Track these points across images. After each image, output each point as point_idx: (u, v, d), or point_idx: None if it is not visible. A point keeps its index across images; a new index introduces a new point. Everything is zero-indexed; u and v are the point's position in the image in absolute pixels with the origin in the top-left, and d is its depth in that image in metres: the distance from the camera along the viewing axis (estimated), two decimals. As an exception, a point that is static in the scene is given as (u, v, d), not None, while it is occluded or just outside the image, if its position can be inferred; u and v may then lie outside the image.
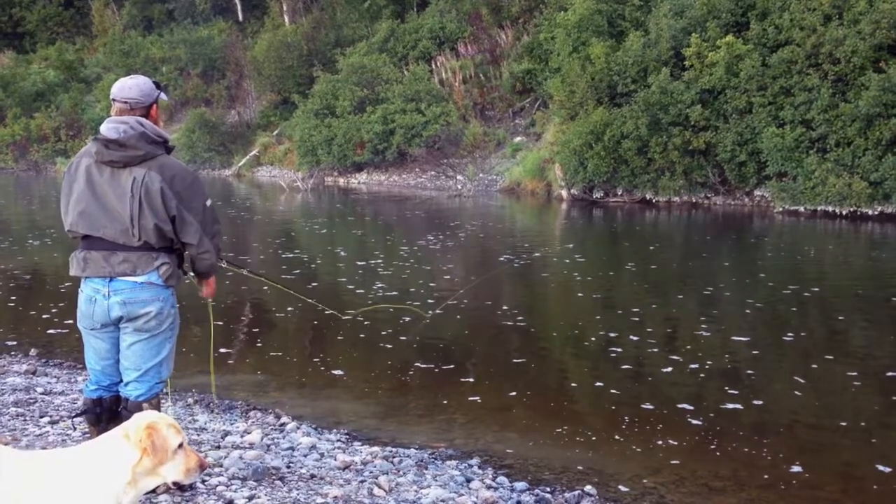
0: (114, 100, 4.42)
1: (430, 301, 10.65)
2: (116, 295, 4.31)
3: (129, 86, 4.42)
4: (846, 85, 19.74)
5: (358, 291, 11.42)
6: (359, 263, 13.74)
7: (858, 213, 19.07)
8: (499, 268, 13.37)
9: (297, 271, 13.03)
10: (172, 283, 4.43)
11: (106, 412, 4.51)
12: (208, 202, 4.47)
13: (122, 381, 4.48)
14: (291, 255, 14.82)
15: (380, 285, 11.74)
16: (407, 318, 9.71)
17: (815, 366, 8.23)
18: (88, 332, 4.46)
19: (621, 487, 5.44)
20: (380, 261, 14.04)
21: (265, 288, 11.10)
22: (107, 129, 4.32)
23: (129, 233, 4.27)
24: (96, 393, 4.51)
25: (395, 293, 11.20)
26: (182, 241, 4.40)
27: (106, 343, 4.44)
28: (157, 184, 4.26)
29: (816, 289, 11.95)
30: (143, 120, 4.36)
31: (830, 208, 19.39)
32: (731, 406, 6.95)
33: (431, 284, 12.05)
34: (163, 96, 4.54)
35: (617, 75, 23.10)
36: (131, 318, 4.35)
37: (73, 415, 5.79)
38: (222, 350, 8.67)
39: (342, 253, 15.44)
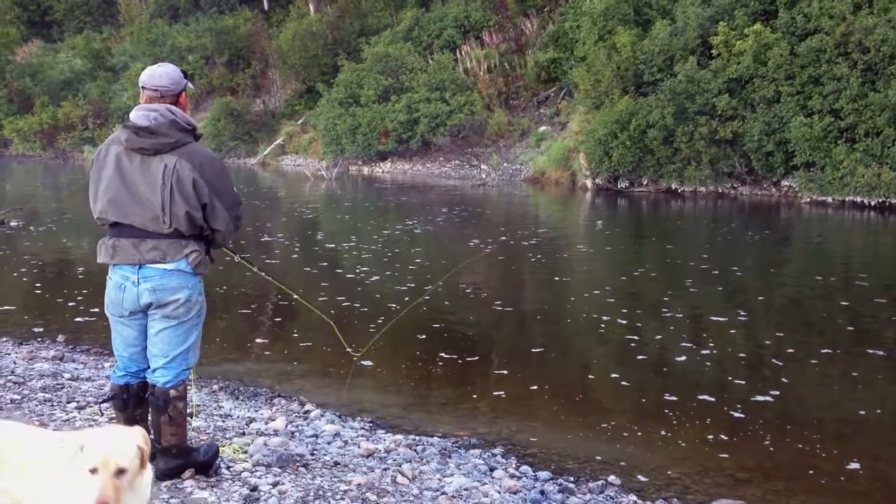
0: (143, 87, 4.43)
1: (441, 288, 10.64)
2: (146, 282, 4.34)
3: (159, 74, 4.43)
4: (875, 74, 19.49)
5: (340, 276, 11.44)
6: (366, 247, 13.76)
7: (887, 203, 18.84)
8: (482, 253, 13.34)
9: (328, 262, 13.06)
10: (201, 271, 4.46)
11: (133, 398, 4.54)
12: (234, 188, 4.52)
13: (149, 367, 4.52)
14: (321, 245, 14.87)
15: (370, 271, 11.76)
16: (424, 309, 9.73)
17: (842, 357, 8.15)
18: (116, 319, 4.48)
19: (645, 478, 5.42)
20: (393, 249, 14.04)
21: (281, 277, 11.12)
22: (137, 116, 4.33)
23: (159, 220, 4.29)
24: (123, 379, 4.54)
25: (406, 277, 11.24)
26: (212, 228, 4.43)
27: (134, 330, 4.46)
28: (188, 171, 4.28)
29: (844, 280, 11.83)
30: (174, 107, 4.38)
31: (859, 199, 19.18)
32: (756, 397, 6.90)
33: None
34: (189, 85, 4.56)
35: (643, 64, 22.93)
36: (160, 305, 4.37)
37: (100, 400, 5.85)
38: (248, 338, 8.72)
39: (372, 240, 15.48)
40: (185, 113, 4.44)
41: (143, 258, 4.33)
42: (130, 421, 4.56)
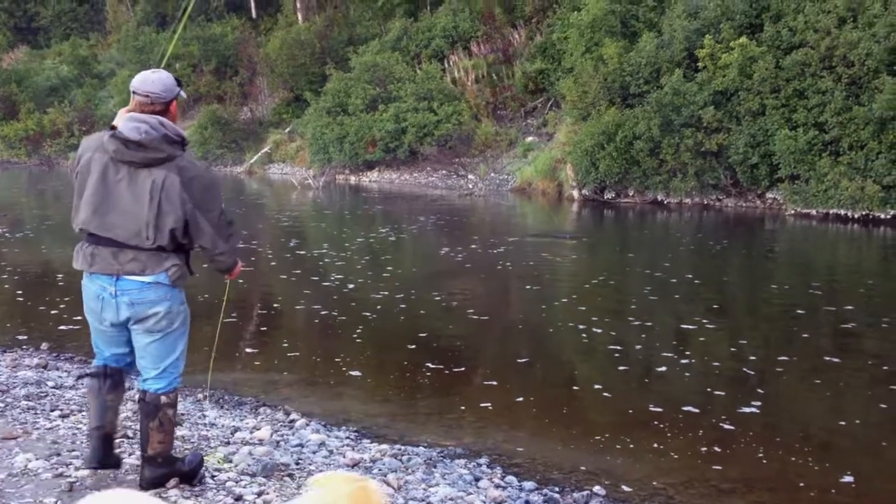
0: (134, 93, 4.29)
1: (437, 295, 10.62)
2: (124, 295, 4.27)
3: (153, 80, 4.31)
4: (860, 88, 19.62)
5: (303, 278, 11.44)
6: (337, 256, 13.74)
7: (871, 216, 18.95)
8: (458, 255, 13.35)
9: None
10: (180, 285, 4.38)
11: (109, 378, 4.52)
12: (223, 205, 4.43)
13: (131, 361, 4.52)
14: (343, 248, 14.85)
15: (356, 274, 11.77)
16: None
17: (825, 369, 8.19)
18: (97, 326, 4.47)
19: (630, 488, 5.44)
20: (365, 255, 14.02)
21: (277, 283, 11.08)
22: (127, 128, 4.19)
23: (141, 235, 4.20)
24: (102, 362, 4.55)
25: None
26: (197, 245, 4.37)
27: (117, 335, 4.44)
28: (178, 187, 4.18)
29: (827, 292, 11.90)
30: (164, 120, 4.26)
31: (843, 211, 19.28)
32: (740, 409, 6.93)
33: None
34: (182, 94, 4.42)
35: (630, 76, 23.04)
36: (140, 320, 4.31)
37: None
38: (233, 346, 8.69)
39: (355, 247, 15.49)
40: (174, 122, 4.34)
41: (121, 269, 4.25)
42: (102, 406, 4.53)
